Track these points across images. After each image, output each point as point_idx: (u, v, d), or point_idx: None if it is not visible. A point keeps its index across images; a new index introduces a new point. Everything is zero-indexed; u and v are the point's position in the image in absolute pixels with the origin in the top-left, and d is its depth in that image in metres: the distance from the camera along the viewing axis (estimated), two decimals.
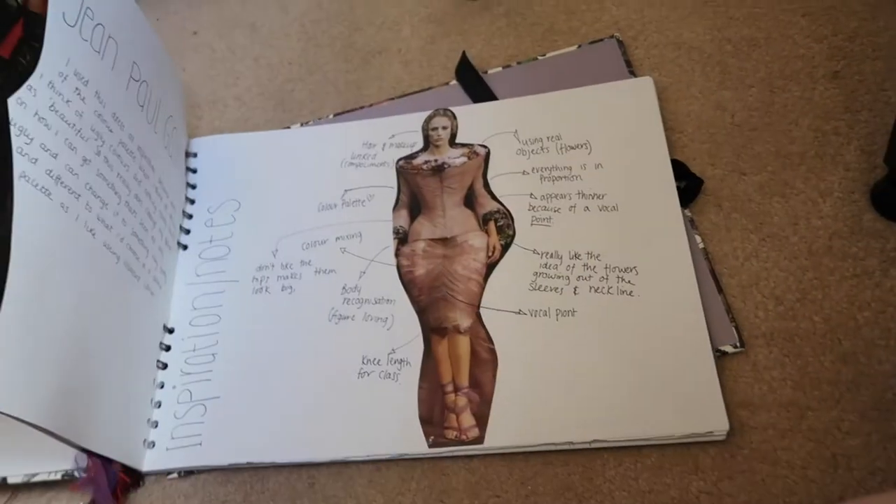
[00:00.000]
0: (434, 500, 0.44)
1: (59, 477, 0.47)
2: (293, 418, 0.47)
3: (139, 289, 0.49)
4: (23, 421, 0.37)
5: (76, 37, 0.44)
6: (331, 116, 0.62)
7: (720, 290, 0.46)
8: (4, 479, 0.47)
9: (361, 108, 0.61)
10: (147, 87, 0.52)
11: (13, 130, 0.38)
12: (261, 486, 0.47)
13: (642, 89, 0.53)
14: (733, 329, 0.44)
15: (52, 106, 0.41)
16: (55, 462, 0.46)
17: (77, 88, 0.44)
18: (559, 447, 0.43)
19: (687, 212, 0.49)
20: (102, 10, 0.46)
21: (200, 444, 0.48)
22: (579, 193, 0.50)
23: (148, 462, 0.48)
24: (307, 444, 0.46)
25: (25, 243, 0.38)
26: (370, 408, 0.46)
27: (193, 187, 0.59)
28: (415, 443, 0.45)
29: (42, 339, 0.39)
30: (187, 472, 0.48)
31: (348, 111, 0.62)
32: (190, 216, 0.58)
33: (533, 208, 0.51)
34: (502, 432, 0.44)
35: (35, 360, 0.38)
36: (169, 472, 0.48)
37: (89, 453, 0.43)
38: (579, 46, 0.59)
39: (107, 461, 0.44)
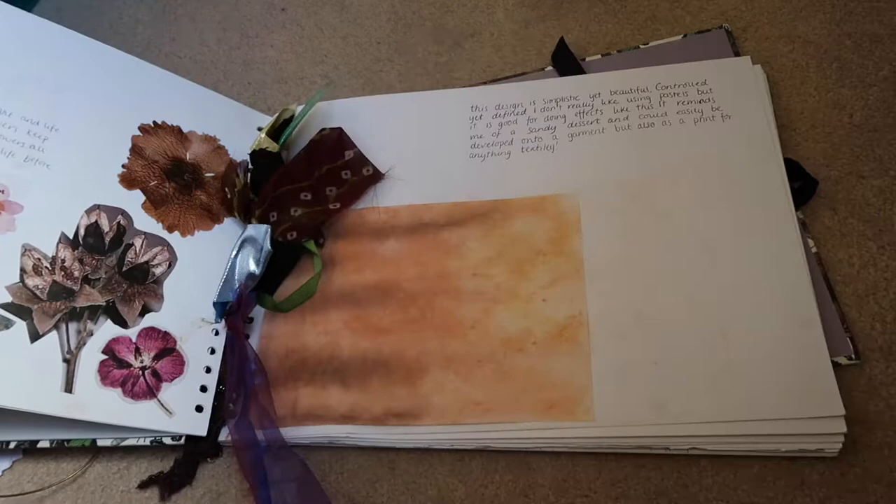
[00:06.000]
0: (518, 495, 0.43)
1: (147, 443, 0.47)
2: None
3: None
4: None
5: None
6: None
7: (834, 298, 0.43)
8: (94, 440, 0.48)
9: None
10: None
11: None
12: (340, 466, 0.46)
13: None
14: (848, 340, 0.42)
15: None
16: (145, 422, 0.47)
17: None
18: (655, 451, 0.41)
19: (799, 214, 0.46)
20: None
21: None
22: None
23: (225, 433, 0.48)
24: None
25: None
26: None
27: None
28: None
29: None
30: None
31: None
32: None
33: None
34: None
35: None
36: None
37: None
38: (685, 36, 0.56)
39: None
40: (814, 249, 0.45)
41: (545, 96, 0.55)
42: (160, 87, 0.58)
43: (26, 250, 0.47)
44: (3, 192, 0.48)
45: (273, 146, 0.54)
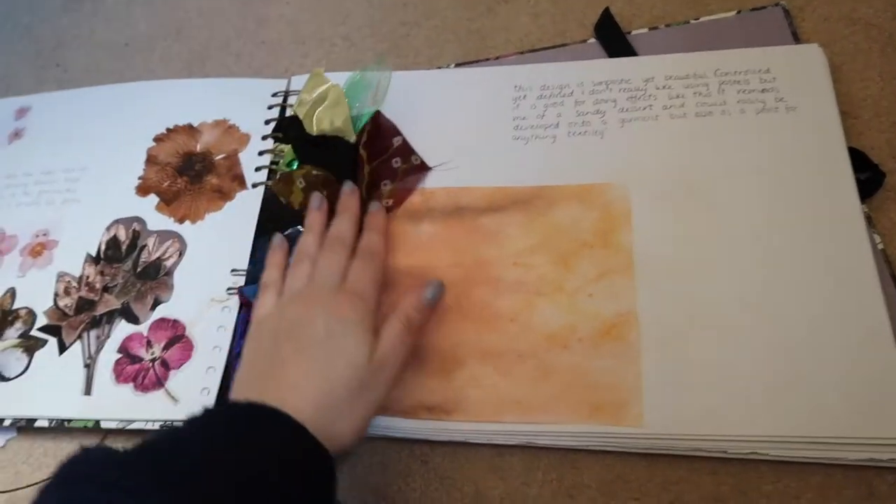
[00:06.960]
0: (563, 495, 0.40)
1: (156, 426, 0.44)
2: None
3: None
4: None
5: None
6: (451, 66, 0.57)
7: None
8: (98, 421, 0.44)
9: (486, 59, 0.56)
10: None
11: None
12: (368, 457, 0.44)
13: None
14: None
15: None
16: (154, 412, 0.44)
17: None
18: (710, 453, 0.39)
19: (864, 207, 0.43)
20: None
21: None
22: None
23: None
24: None
25: None
26: None
27: None
28: None
29: None
30: None
31: (470, 62, 0.57)
32: None
33: None
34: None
35: None
36: None
37: None
38: (738, 12, 0.53)
39: None
40: (880, 246, 0.42)
41: (594, 78, 0.51)
42: (169, 97, 0.59)
43: (60, 277, 0.52)
44: (45, 234, 0.54)
45: (350, 133, 0.50)
